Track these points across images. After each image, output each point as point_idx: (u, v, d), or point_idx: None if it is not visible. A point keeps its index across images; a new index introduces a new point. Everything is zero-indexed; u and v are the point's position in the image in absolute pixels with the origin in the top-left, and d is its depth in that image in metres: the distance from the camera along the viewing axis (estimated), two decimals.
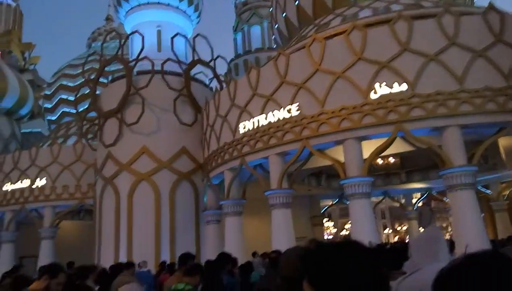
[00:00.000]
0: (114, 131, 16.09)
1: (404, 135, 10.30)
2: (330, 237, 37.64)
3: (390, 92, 10.12)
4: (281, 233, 11.46)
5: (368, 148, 10.76)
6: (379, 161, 17.58)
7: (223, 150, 13.33)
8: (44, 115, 26.93)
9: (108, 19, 37.06)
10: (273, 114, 11.61)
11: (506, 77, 9.92)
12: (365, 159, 10.59)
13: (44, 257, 18.20)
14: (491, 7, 10.35)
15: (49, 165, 19.32)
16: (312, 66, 11.04)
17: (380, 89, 10.21)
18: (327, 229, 34.86)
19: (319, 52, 11.00)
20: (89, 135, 19.54)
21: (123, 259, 14.54)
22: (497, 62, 10.00)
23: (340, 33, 11.41)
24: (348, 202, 11.44)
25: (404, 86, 10.12)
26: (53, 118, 25.46)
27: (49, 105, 25.55)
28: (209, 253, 14.28)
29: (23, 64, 39.25)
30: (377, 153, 10.48)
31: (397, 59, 10.33)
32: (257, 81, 12.33)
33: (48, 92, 25.98)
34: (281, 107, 11.46)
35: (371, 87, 10.26)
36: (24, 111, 29.26)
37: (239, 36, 26.08)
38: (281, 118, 11.39)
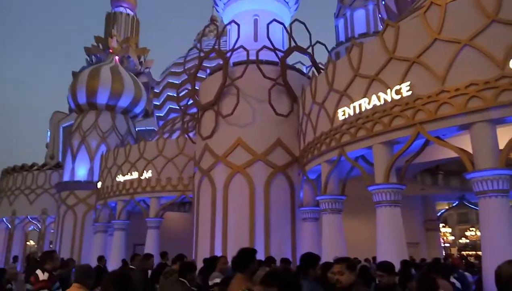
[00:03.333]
0: (211, 123, 15.99)
1: None
2: (447, 244, 33.39)
3: None
4: (388, 235, 9.75)
5: (501, 137, 8.45)
6: None
7: (319, 140, 12.06)
8: (153, 112, 28.84)
9: (213, 19, 38.39)
10: (378, 97, 9.94)
11: None
12: (501, 149, 8.31)
13: (150, 246, 19.13)
14: None
15: (155, 158, 20.27)
16: (429, 35, 9.10)
17: None
18: (443, 236, 30.90)
19: (438, 18, 9.00)
20: (191, 129, 20.02)
21: (218, 251, 14.29)
22: None
23: None
24: (475, 204, 9.20)
25: None
26: (161, 114, 27.02)
27: (157, 103, 27.20)
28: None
29: (139, 67, 43.05)
30: None
31: None
32: (359, 60, 10.78)
33: (157, 91, 27.69)
34: (388, 88, 9.73)
35: (510, 55, 7.97)
36: (138, 110, 31.78)
37: (341, 23, 24.32)
38: (388, 100, 9.68)
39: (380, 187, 9.95)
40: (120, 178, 21.15)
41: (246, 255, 3.95)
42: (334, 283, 3.98)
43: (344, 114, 11.00)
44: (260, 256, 13.40)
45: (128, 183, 20.74)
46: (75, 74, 35.16)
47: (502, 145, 8.30)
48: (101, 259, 12.92)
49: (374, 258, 10.19)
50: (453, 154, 9.34)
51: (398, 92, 9.51)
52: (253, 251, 4.17)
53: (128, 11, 43.20)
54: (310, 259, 4.25)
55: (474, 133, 8.36)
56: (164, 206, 20.10)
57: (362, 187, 10.86)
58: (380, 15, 17.34)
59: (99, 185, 23.47)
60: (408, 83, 9.32)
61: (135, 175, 20.56)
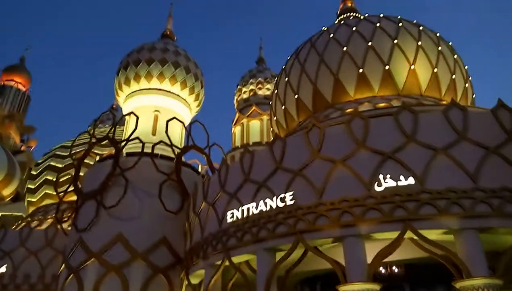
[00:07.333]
0: (90, 214, 14.61)
1: (413, 238, 8.89)
2: None
3: (396, 186, 9.03)
4: None
5: (369, 252, 9.24)
6: (382, 269, 15.68)
7: (206, 241, 11.73)
8: (25, 196, 25.48)
9: (113, 107, 37.82)
10: (265, 203, 10.35)
11: None
12: (369, 264, 9.01)
13: None
14: (501, 104, 9.85)
15: (14, 250, 17.33)
16: (310, 152, 10.15)
17: (385, 182, 9.14)
18: None
19: (318, 139, 10.20)
20: (66, 220, 17.98)
21: None
22: None
23: (341, 124, 10.73)
24: None
25: (411, 180, 9.07)
26: (34, 199, 23.97)
27: (32, 186, 24.26)
28: None
29: (20, 146, 39.09)
30: (384, 255, 8.94)
31: (403, 150, 9.46)
32: (250, 166, 11.35)
33: (34, 173, 24.92)
34: (274, 196, 10.25)
35: (374, 179, 9.20)
36: (6, 192, 27.92)
37: (238, 130, 26.04)
38: (273, 207, 10.11)
39: None
40: None
41: None
42: None
43: (232, 217, 11.06)
44: None
45: None
46: None
47: (370, 259, 9.02)
48: None
49: None
50: (329, 265, 9.80)
51: (282, 200, 10.04)
52: None
53: (20, 86, 40.52)
54: None
55: (346, 246, 9.01)
56: None
57: None
58: (272, 129, 19.08)
59: None
60: (292, 192, 9.96)
61: None
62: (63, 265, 14.61)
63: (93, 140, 17.09)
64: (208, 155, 16.99)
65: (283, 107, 16.93)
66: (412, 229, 8.68)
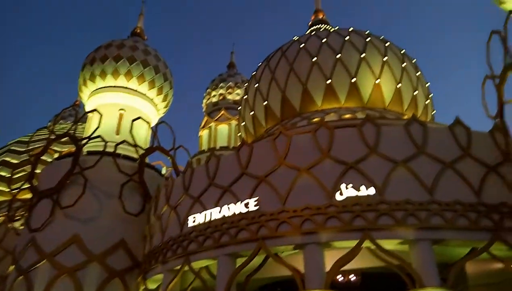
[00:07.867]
0: (45, 214, 13.95)
1: (371, 247, 9.11)
2: None
3: (357, 195, 9.25)
4: None
5: (327, 260, 9.37)
6: (339, 278, 15.96)
7: (166, 246, 11.50)
8: None
9: (76, 103, 36.53)
10: (229, 208, 10.30)
11: (476, 192, 9.40)
12: (328, 271, 9.14)
13: None
14: (458, 121, 10.35)
15: None
16: (276, 159, 10.23)
17: (347, 191, 9.35)
18: None
19: (285, 146, 10.30)
20: (18, 218, 17.13)
21: None
22: (466, 176, 9.58)
23: (307, 132, 10.89)
24: None
25: (372, 190, 9.33)
26: None
27: None
28: None
29: None
30: (342, 264, 9.10)
31: (365, 161, 9.72)
32: (215, 171, 11.28)
33: None
34: (238, 201, 10.23)
35: (337, 188, 9.39)
36: None
37: (205, 133, 25.86)
38: (236, 212, 10.08)
39: None
40: None
41: None
42: None
43: (194, 221, 10.92)
44: None
45: None
46: None
47: (328, 267, 9.14)
48: None
49: None
50: (289, 272, 9.85)
51: (246, 205, 10.03)
52: None
53: None
54: None
55: (306, 254, 9.10)
56: None
57: None
58: (239, 134, 19.09)
59: None
60: (256, 198, 9.98)
61: None
62: (13, 266, 13.85)
63: (53, 136, 16.40)
64: (173, 157, 16.74)
65: (252, 113, 16.99)
66: (370, 238, 8.90)
